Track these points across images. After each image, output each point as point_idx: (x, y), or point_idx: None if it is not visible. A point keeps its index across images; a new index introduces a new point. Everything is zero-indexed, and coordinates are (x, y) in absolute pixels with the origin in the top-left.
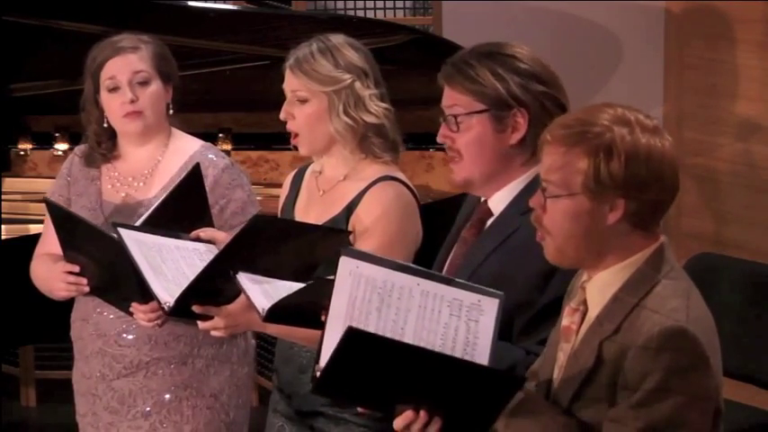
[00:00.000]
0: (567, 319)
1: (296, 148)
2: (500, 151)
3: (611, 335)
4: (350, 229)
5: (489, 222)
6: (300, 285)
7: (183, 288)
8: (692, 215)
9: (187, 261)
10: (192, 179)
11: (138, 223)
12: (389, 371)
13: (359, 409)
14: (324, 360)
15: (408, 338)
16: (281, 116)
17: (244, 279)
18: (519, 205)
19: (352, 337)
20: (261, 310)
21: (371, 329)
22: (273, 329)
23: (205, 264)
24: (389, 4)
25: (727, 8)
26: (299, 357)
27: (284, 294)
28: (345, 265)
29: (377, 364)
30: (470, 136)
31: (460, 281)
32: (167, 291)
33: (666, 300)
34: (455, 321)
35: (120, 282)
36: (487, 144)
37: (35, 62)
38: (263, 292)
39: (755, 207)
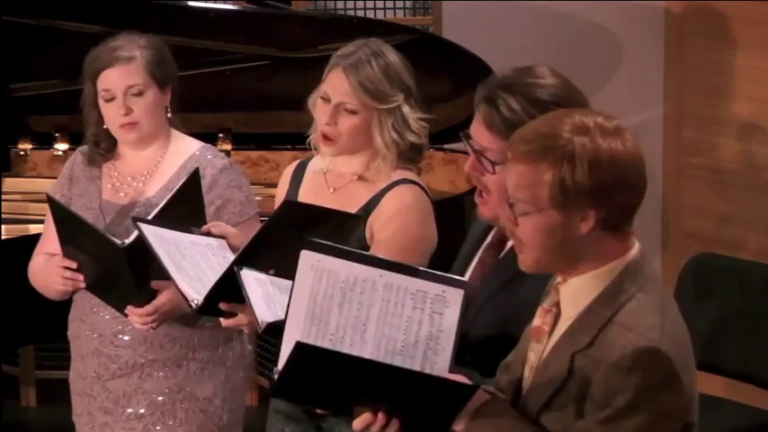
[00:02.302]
0: (538, 319)
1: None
2: None
3: (583, 348)
4: (367, 230)
5: (509, 245)
6: None
7: (209, 285)
8: (692, 215)
9: (203, 256)
10: (191, 183)
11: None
12: (343, 380)
13: (317, 411)
14: (281, 364)
15: (370, 334)
16: (324, 121)
17: (248, 277)
18: None
19: (301, 351)
20: (260, 322)
21: (332, 326)
22: None
23: (218, 258)
24: (389, 4)
25: (728, 8)
26: None
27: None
28: (307, 259)
29: (330, 375)
30: (504, 179)
31: (427, 270)
32: (192, 287)
33: (641, 316)
34: (419, 314)
35: (117, 283)
36: None
37: (35, 62)
38: (264, 296)
39: (755, 207)
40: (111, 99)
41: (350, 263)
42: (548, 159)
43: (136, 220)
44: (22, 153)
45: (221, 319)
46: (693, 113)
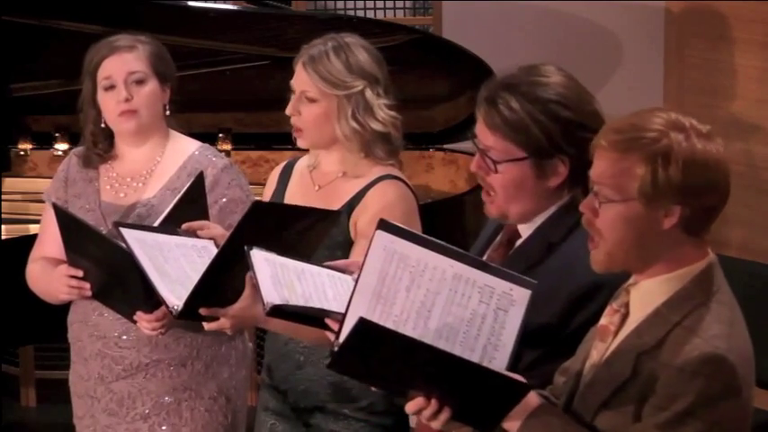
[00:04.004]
0: (606, 319)
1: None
2: (538, 193)
3: (649, 350)
4: (351, 225)
5: (516, 244)
6: (312, 266)
7: (191, 289)
8: None
9: (188, 259)
10: (196, 187)
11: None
12: (400, 361)
13: (372, 389)
14: (344, 336)
15: (433, 322)
16: (288, 111)
17: (258, 258)
18: (546, 233)
19: (364, 328)
20: (266, 304)
21: (397, 308)
22: (276, 326)
23: (204, 260)
24: (389, 4)
25: (728, 8)
26: (296, 354)
27: (295, 280)
28: (380, 239)
29: (387, 353)
30: (507, 179)
31: (496, 266)
32: (173, 292)
33: (709, 324)
34: (483, 309)
35: (123, 289)
36: (525, 187)
37: (35, 62)
38: (272, 277)
39: (756, 207)
40: (112, 87)
41: (422, 249)
42: (642, 151)
43: (117, 225)
44: (22, 153)
45: (204, 324)
46: (693, 113)
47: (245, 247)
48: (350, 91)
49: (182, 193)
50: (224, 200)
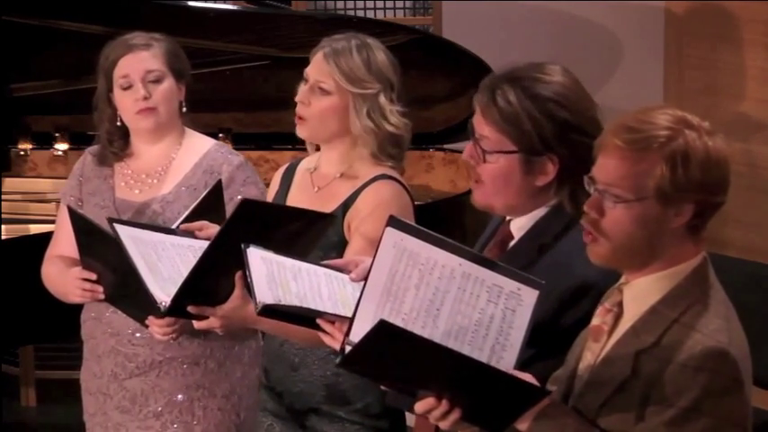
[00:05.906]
0: (598, 319)
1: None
2: (524, 189)
3: (648, 348)
4: (345, 225)
5: (511, 244)
6: (309, 265)
7: (179, 286)
8: None
9: (183, 258)
10: (214, 194)
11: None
12: (415, 362)
13: (381, 387)
14: (353, 335)
15: (442, 320)
16: (298, 98)
17: (254, 256)
18: (538, 234)
19: (383, 330)
20: (258, 303)
21: (407, 306)
22: (266, 326)
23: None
24: (389, 4)
25: (728, 8)
26: (291, 355)
27: (291, 279)
28: (390, 236)
29: (404, 355)
30: (495, 169)
31: (504, 265)
32: (163, 290)
33: (708, 319)
34: (492, 308)
35: (136, 293)
36: (512, 181)
37: (35, 62)
38: (267, 276)
39: (755, 207)
40: (129, 87)
41: (432, 246)
42: (660, 150)
43: (111, 221)
44: (22, 153)
45: (194, 322)
46: (693, 113)
47: (242, 245)
48: (365, 91)
49: (197, 201)
50: (239, 197)
